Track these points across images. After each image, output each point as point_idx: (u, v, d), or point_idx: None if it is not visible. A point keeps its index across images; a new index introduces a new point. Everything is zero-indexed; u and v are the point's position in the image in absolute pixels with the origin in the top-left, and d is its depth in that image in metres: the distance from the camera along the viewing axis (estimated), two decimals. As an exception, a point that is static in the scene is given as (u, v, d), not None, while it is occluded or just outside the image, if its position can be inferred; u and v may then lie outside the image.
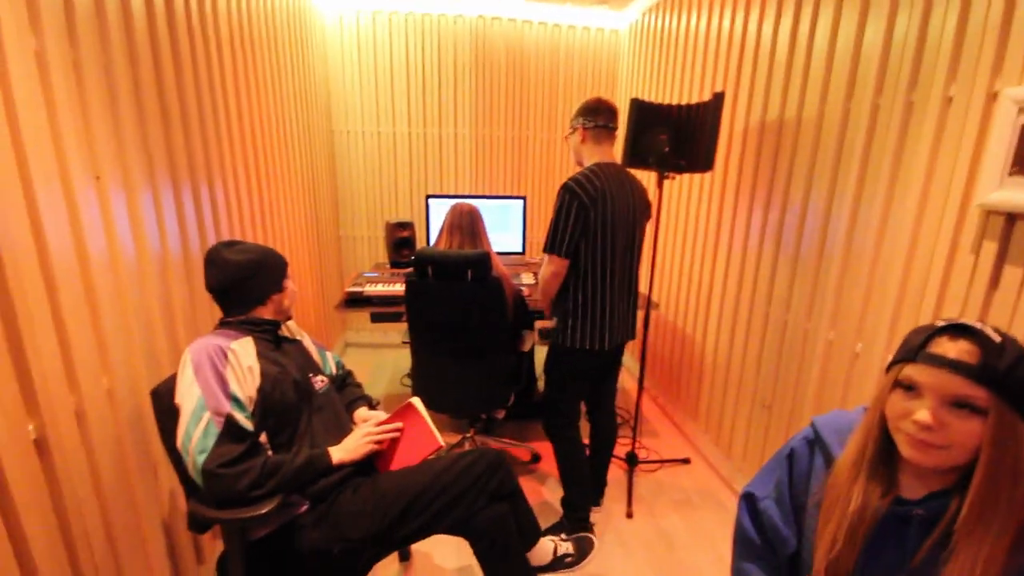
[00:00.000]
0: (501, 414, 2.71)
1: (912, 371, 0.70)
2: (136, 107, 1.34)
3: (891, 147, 1.44)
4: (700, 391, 2.55)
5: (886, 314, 1.47)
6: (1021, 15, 1.12)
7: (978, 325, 0.68)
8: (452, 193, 3.62)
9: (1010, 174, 1.14)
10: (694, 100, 2.14)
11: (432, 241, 2.69)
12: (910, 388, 0.71)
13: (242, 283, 1.28)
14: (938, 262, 1.31)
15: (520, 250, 3.09)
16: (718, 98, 1.87)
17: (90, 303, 1.15)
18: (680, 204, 2.74)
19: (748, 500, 0.95)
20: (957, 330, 0.69)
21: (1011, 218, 1.16)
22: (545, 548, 1.66)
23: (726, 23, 2.27)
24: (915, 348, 0.71)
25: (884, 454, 0.77)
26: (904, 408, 0.71)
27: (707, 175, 2.43)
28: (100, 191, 1.20)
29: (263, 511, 1.07)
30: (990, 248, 1.19)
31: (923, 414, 0.68)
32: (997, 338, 0.67)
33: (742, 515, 0.96)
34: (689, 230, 2.65)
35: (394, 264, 2.90)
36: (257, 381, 1.21)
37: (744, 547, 0.95)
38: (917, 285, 1.38)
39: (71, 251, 1.10)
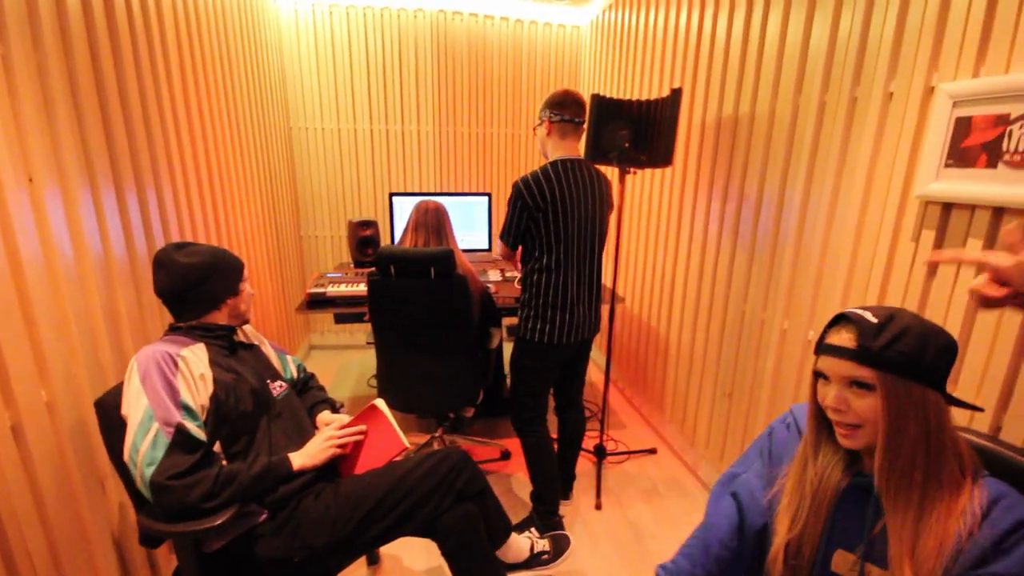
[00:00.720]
0: (470, 412, 2.70)
1: (819, 362, 0.80)
2: (72, 105, 1.27)
3: (837, 141, 1.50)
4: (665, 382, 2.60)
5: (835, 302, 1.52)
6: (956, 13, 1.17)
7: (857, 312, 0.76)
8: (416, 191, 3.57)
9: (946, 166, 1.20)
10: (653, 96, 2.17)
11: (397, 240, 2.66)
12: (824, 377, 0.79)
13: (194, 287, 1.23)
14: (881, 251, 1.37)
15: (486, 247, 3.08)
16: (676, 94, 1.90)
17: (24, 311, 1.09)
18: (642, 199, 2.78)
19: (730, 480, 0.94)
20: (841, 319, 0.78)
21: (947, 208, 1.22)
22: (521, 545, 1.67)
23: (683, 19, 2.31)
24: (819, 341, 0.80)
25: (833, 438, 0.82)
26: (823, 395, 0.79)
27: (667, 169, 2.48)
28: (34, 193, 1.13)
29: (217, 523, 1.04)
30: (928, 237, 1.25)
31: (829, 398, 0.77)
32: (874, 320, 0.74)
33: (717, 503, 0.94)
34: (651, 224, 2.69)
35: (358, 264, 2.85)
36: (210, 389, 1.17)
37: (704, 536, 0.93)
38: (863, 273, 1.44)
39: (2, 256, 1.03)
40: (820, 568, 0.82)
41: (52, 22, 1.20)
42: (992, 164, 1.10)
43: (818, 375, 0.80)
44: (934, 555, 0.69)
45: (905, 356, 0.71)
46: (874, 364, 0.72)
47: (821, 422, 0.83)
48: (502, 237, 1.78)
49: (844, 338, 0.75)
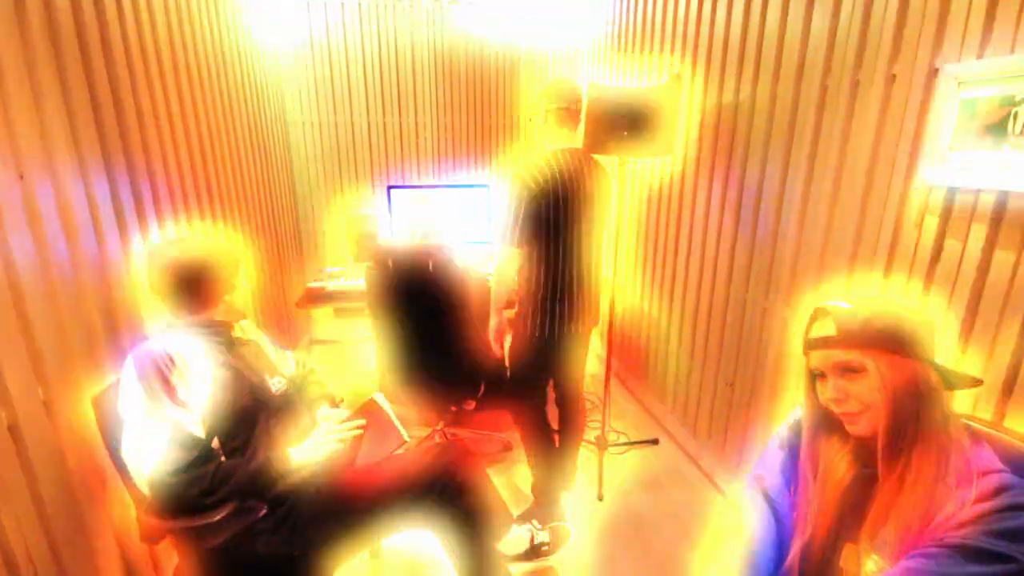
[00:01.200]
0: (471, 405, 2.70)
1: (810, 360, 0.80)
2: (63, 102, 1.25)
3: (839, 126, 1.47)
4: (667, 372, 2.59)
5: (838, 289, 1.50)
6: (959, -7, 1.15)
7: (830, 304, 0.78)
8: (415, 183, 3.55)
9: (950, 149, 1.18)
10: (652, 84, 2.14)
11: (397, 234, 2.65)
12: (819, 375, 0.80)
13: (190, 284, 1.23)
14: (884, 237, 1.35)
15: (485, 239, 3.06)
16: (675, 81, 1.88)
17: (19, 310, 1.08)
18: (642, 188, 2.76)
19: (757, 483, 0.94)
20: (818, 313, 0.80)
21: (951, 192, 1.19)
22: (521, 537, 1.67)
23: (682, 4, 2.27)
24: (804, 340, 0.81)
25: (839, 433, 0.82)
26: (822, 391, 0.79)
27: (667, 157, 2.45)
28: (25, 190, 1.12)
29: (216, 519, 1.04)
30: (932, 222, 1.23)
31: (828, 392, 0.77)
32: (849, 305, 0.75)
33: (752, 511, 0.92)
34: (652, 213, 2.66)
35: (357, 258, 2.84)
36: (207, 386, 1.16)
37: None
38: (865, 260, 1.42)
39: (-6, 256, 1.03)
40: (830, 563, 0.82)
41: (40, 15, 1.19)
42: (997, 147, 1.08)
43: (814, 375, 0.81)
44: (917, 523, 0.70)
45: (885, 333, 0.72)
46: (858, 344, 0.73)
47: (820, 423, 0.83)
48: (505, 240, 1.65)
49: (826, 327, 0.77)
